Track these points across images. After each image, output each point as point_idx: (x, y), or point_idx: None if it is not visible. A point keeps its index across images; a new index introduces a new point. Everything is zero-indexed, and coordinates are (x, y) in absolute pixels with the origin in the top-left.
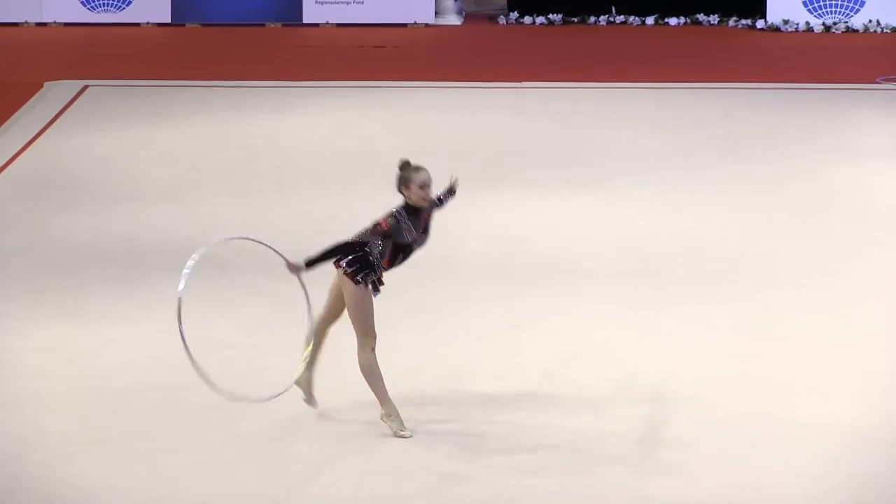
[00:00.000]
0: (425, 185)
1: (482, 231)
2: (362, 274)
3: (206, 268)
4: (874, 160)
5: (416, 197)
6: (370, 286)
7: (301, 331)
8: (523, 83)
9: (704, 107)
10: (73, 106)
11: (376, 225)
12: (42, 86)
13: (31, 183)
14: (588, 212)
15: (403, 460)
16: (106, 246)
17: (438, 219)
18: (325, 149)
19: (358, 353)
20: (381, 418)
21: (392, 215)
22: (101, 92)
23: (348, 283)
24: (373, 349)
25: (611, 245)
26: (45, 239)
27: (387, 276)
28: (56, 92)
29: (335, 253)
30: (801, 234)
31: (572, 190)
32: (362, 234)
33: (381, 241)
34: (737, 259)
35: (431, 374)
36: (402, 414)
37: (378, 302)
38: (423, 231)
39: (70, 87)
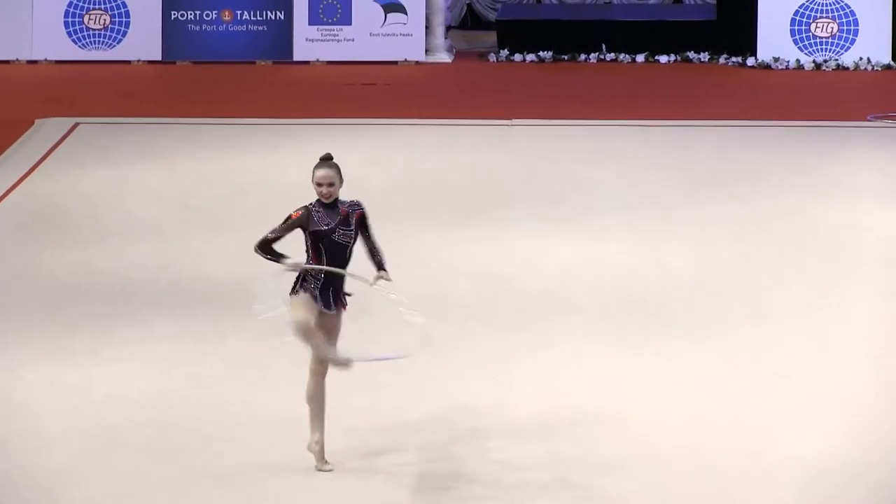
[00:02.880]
0: (320, 183)
1: (470, 268)
2: (296, 285)
3: (191, 303)
4: (864, 197)
5: (316, 192)
6: (308, 292)
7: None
8: (513, 120)
9: (694, 144)
10: (63, 143)
11: (287, 216)
12: (33, 123)
13: (22, 220)
14: (575, 249)
15: (388, 496)
16: (95, 283)
17: (425, 255)
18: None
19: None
20: (308, 447)
21: (303, 206)
22: (92, 129)
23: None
24: (314, 370)
25: (598, 282)
26: (34, 275)
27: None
28: (46, 129)
29: (263, 253)
30: (789, 272)
31: (560, 227)
32: (275, 228)
33: (289, 232)
34: (723, 296)
35: (418, 412)
36: (390, 449)
37: (362, 339)
38: (343, 224)
39: (60, 124)
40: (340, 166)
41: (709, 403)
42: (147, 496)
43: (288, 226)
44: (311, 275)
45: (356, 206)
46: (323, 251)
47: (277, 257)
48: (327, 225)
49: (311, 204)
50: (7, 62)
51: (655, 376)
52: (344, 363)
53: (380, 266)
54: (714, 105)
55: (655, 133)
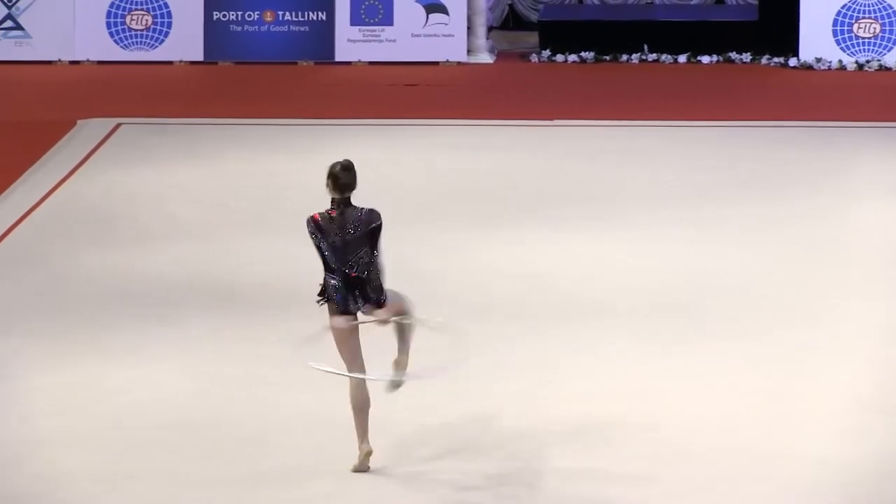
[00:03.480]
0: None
1: (509, 269)
2: (322, 298)
3: (232, 304)
4: None
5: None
6: (329, 300)
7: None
8: (554, 121)
9: (735, 145)
10: (105, 144)
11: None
12: (75, 124)
13: (63, 221)
14: (614, 250)
15: (423, 498)
16: (135, 284)
17: (465, 256)
18: (356, 187)
19: None
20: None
21: (310, 216)
22: (134, 130)
23: None
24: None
25: (635, 284)
26: (75, 276)
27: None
28: (89, 130)
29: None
30: (826, 273)
31: (600, 228)
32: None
33: (314, 235)
34: (760, 298)
35: (455, 413)
36: (426, 450)
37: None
38: (354, 230)
39: (103, 125)
40: (356, 188)
41: (744, 405)
42: (184, 497)
43: (315, 244)
44: (331, 283)
45: (369, 213)
46: (339, 265)
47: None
48: (338, 235)
49: (318, 214)
50: (50, 63)
51: (691, 378)
52: (391, 385)
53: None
54: (756, 106)
55: (697, 133)
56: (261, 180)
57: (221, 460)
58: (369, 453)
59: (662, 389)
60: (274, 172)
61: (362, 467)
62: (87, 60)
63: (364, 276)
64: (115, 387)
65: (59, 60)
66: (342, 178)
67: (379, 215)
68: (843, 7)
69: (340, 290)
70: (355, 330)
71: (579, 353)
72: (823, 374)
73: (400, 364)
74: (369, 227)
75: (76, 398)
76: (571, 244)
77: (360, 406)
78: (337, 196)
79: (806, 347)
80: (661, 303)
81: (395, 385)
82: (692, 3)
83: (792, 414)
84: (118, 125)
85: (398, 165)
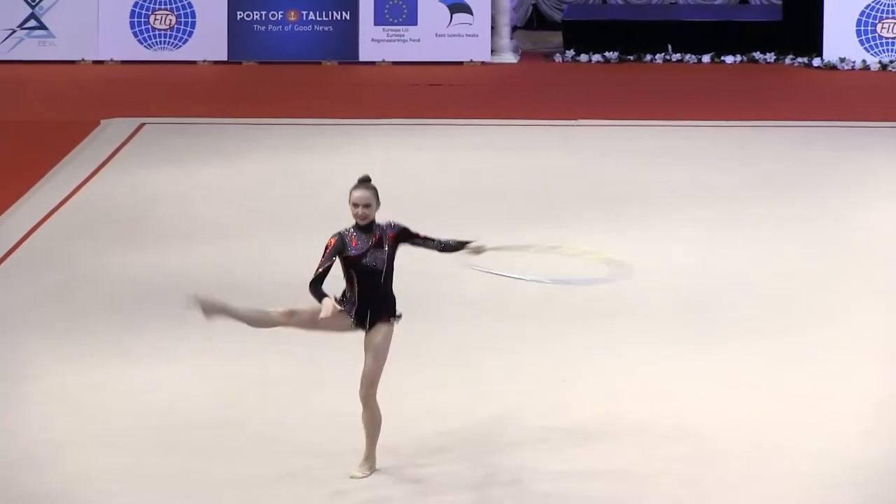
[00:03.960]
0: (356, 204)
1: (533, 268)
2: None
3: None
4: None
5: (352, 213)
6: (345, 308)
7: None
8: (578, 121)
9: (759, 145)
10: (129, 144)
11: (326, 246)
12: (98, 123)
13: (87, 220)
14: (638, 250)
15: (450, 498)
16: (160, 283)
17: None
18: (379, 186)
19: None
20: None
21: (337, 232)
22: (158, 130)
23: None
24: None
25: (661, 283)
26: (99, 276)
27: (432, 317)
28: (112, 130)
29: (315, 293)
30: (851, 273)
31: (624, 228)
32: (321, 261)
33: (335, 259)
34: (786, 297)
35: (481, 412)
36: (453, 450)
37: (425, 339)
38: (377, 247)
39: (126, 124)
40: (378, 188)
41: (770, 405)
42: (209, 497)
43: (329, 255)
44: (346, 296)
45: (390, 227)
46: (355, 277)
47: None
48: (358, 249)
49: (344, 229)
50: (73, 62)
51: (712, 378)
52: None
53: (459, 245)
54: (780, 106)
55: (721, 133)
56: (285, 180)
57: (244, 460)
58: (370, 470)
59: (684, 390)
60: (298, 172)
61: (358, 474)
62: (111, 60)
63: (368, 308)
64: (138, 387)
65: (83, 60)
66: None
67: (398, 224)
68: (866, 7)
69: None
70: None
71: (600, 353)
72: (845, 374)
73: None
74: (391, 241)
75: (99, 398)
76: (593, 244)
77: (368, 423)
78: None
79: (828, 347)
80: (683, 303)
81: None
82: (716, 3)
83: (814, 413)
84: (142, 125)
85: (421, 165)
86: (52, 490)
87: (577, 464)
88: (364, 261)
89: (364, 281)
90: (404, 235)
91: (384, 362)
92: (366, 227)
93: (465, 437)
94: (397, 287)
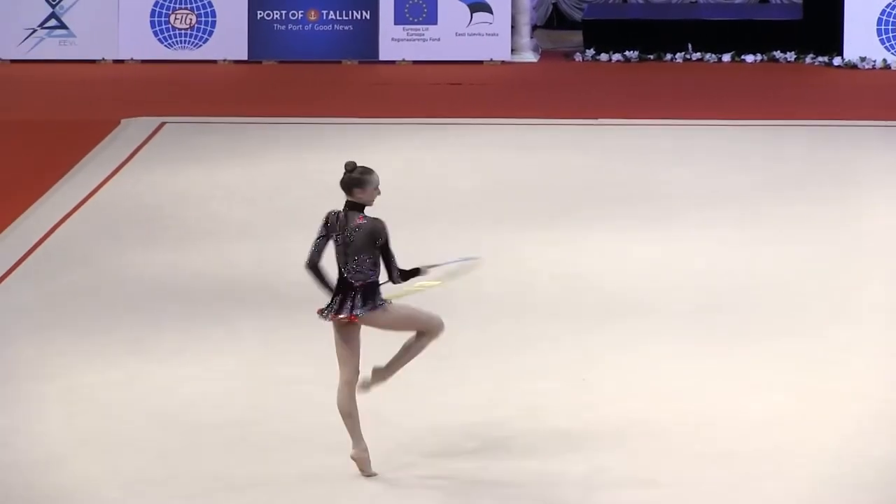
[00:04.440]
0: (377, 188)
1: (552, 268)
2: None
3: (277, 303)
4: None
5: (371, 198)
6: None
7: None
8: (598, 120)
9: (779, 144)
10: (149, 143)
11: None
12: (119, 123)
13: (108, 219)
14: (659, 249)
15: (476, 494)
16: (181, 282)
17: (509, 255)
18: (400, 186)
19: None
20: (352, 456)
21: (329, 211)
22: (178, 129)
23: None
24: (344, 382)
25: (681, 282)
26: (120, 275)
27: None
28: (133, 129)
29: (312, 273)
30: (872, 272)
31: (644, 227)
32: (314, 240)
33: (322, 227)
34: (807, 297)
35: (499, 411)
36: (473, 448)
37: (446, 338)
38: (352, 236)
39: (147, 123)
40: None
41: (791, 404)
42: (230, 497)
43: (321, 234)
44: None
45: (374, 221)
46: (344, 260)
47: (324, 283)
48: (349, 233)
49: (337, 210)
50: (94, 62)
51: (737, 377)
52: (364, 385)
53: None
54: (800, 105)
55: (740, 133)
56: (305, 179)
57: (265, 460)
58: (364, 452)
59: (706, 389)
60: (318, 171)
61: (366, 469)
62: (132, 59)
63: (358, 284)
64: (159, 386)
65: (103, 59)
66: (342, 178)
67: (382, 228)
68: (887, 6)
69: (338, 291)
70: (355, 330)
71: (622, 352)
72: (865, 373)
73: (378, 375)
74: (368, 237)
75: (119, 397)
76: (614, 244)
77: (346, 411)
78: (347, 197)
79: (846, 347)
80: (705, 302)
81: (365, 385)
82: (736, 2)
83: (833, 413)
84: (162, 124)
85: (441, 165)
86: (74, 489)
87: (597, 463)
88: (342, 237)
89: (349, 261)
90: (374, 244)
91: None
92: (354, 211)
93: (485, 436)
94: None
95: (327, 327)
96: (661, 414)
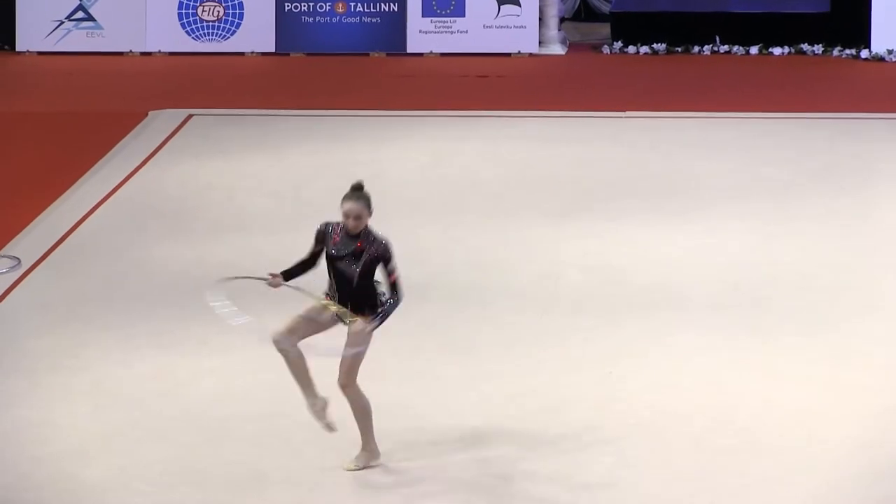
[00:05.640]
0: (347, 215)
1: (581, 260)
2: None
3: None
4: None
5: (343, 221)
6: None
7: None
8: (626, 113)
9: (806, 137)
10: (176, 135)
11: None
12: (146, 115)
13: (135, 211)
14: (687, 242)
15: (504, 487)
16: (207, 275)
17: (537, 247)
18: (427, 178)
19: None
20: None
21: (325, 223)
22: (205, 121)
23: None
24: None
25: (709, 275)
26: (147, 267)
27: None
28: (160, 121)
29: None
30: None
31: (672, 220)
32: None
33: (320, 247)
34: (835, 290)
35: (531, 405)
36: (502, 441)
37: (474, 331)
38: (353, 257)
39: (174, 116)
40: (371, 197)
41: (820, 397)
42: (256, 489)
43: (314, 241)
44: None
45: (375, 246)
46: (332, 274)
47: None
48: (336, 251)
49: (334, 222)
50: (121, 54)
51: (766, 370)
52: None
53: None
54: (827, 98)
55: (768, 125)
56: (333, 171)
57: (292, 453)
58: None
59: (736, 382)
60: (346, 163)
61: (350, 466)
62: (159, 51)
63: (347, 303)
64: (186, 378)
65: (131, 51)
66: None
67: (385, 249)
68: None
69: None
70: (321, 320)
71: (652, 345)
72: (894, 367)
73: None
74: (368, 259)
75: (146, 390)
76: (643, 236)
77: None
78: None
79: (878, 340)
80: (732, 295)
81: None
82: None
83: (864, 406)
84: (189, 116)
85: (469, 157)
86: (101, 482)
87: (624, 456)
88: (338, 264)
89: (338, 280)
90: (382, 261)
91: (361, 352)
92: (354, 234)
93: (511, 429)
94: (443, 276)
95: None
96: (687, 407)
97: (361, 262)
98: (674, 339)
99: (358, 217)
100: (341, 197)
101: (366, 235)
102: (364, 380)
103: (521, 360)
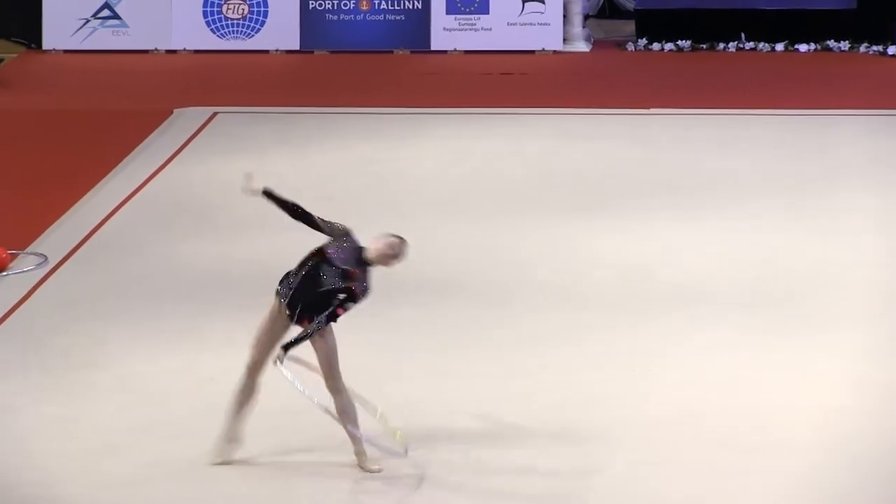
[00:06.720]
0: (391, 257)
1: (609, 258)
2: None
3: None
4: None
5: (382, 258)
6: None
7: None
8: (651, 110)
9: (833, 133)
10: (201, 133)
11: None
12: (171, 113)
13: (160, 209)
14: (715, 239)
15: (525, 482)
16: (232, 272)
17: (563, 245)
18: (451, 176)
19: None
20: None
21: (349, 231)
22: (230, 119)
23: None
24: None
25: (734, 273)
26: (172, 264)
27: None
28: (185, 119)
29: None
30: None
31: (700, 217)
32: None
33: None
34: (861, 287)
35: (553, 401)
36: (532, 436)
37: (499, 328)
38: (339, 276)
39: (199, 113)
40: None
41: (845, 395)
42: (284, 484)
43: (324, 222)
44: (289, 278)
45: (363, 286)
46: (305, 268)
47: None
48: (334, 255)
49: (356, 239)
50: (146, 52)
51: (791, 368)
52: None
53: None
54: (854, 94)
55: (794, 122)
56: (357, 169)
57: (319, 448)
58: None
59: (762, 379)
60: (370, 161)
61: (223, 457)
62: (184, 49)
63: (298, 303)
64: (213, 374)
65: (156, 49)
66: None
67: (364, 295)
68: None
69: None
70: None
71: (676, 343)
72: None
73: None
74: (347, 287)
75: (173, 386)
76: (667, 233)
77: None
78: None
79: None
80: (760, 292)
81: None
82: None
83: (892, 405)
84: (214, 114)
85: (494, 154)
86: (129, 477)
87: (648, 454)
88: (323, 266)
89: (307, 277)
90: (350, 298)
91: (331, 357)
92: (362, 261)
93: (535, 425)
94: (466, 274)
95: (378, 316)
96: (711, 405)
97: (340, 284)
98: (698, 337)
99: (393, 263)
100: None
101: (366, 272)
102: (386, 378)
103: (544, 357)
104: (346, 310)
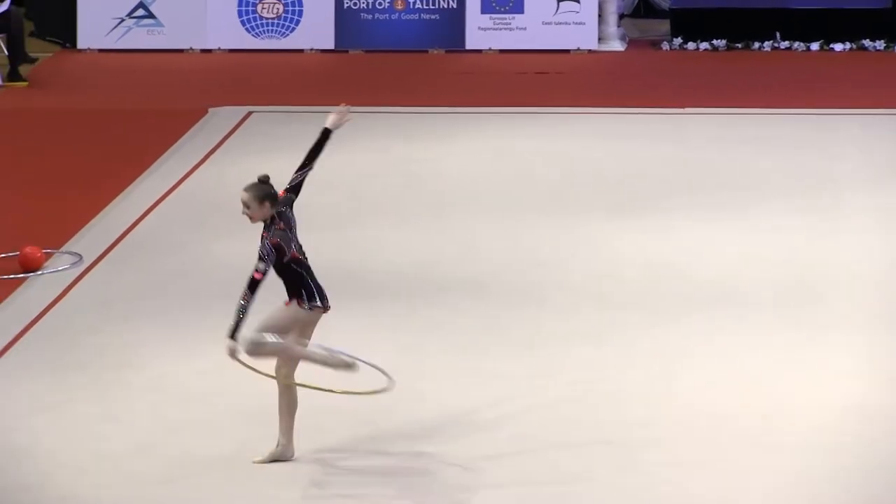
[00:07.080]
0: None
1: (638, 257)
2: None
3: (364, 292)
4: None
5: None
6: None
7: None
8: (686, 109)
9: (869, 133)
10: (236, 132)
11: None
12: (206, 112)
13: (195, 208)
14: (746, 238)
15: (553, 481)
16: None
17: (595, 243)
18: (486, 175)
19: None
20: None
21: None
22: (265, 118)
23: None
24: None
25: (766, 273)
26: (208, 264)
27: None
28: (220, 118)
29: None
30: None
31: (730, 216)
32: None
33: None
34: (887, 287)
35: (583, 401)
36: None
37: (533, 326)
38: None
39: (234, 112)
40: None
41: (874, 396)
42: (318, 483)
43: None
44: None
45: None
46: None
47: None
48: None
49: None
50: (181, 51)
51: (821, 368)
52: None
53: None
54: (889, 94)
55: (829, 122)
56: (393, 168)
57: (355, 447)
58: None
59: (786, 380)
60: (405, 160)
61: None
62: (219, 49)
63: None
64: (246, 374)
65: (191, 49)
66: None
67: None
68: None
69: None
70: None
71: (707, 343)
72: None
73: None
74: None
75: (206, 385)
76: (700, 233)
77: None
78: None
79: None
80: (791, 293)
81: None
82: None
83: None
84: (249, 113)
85: (528, 154)
86: (163, 476)
87: (676, 454)
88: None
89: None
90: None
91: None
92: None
93: (564, 425)
94: (503, 274)
95: (411, 316)
96: (740, 405)
97: (266, 247)
98: (729, 337)
99: (246, 206)
100: (398, 194)
101: (268, 227)
102: (420, 377)
103: (576, 356)
104: (258, 271)
